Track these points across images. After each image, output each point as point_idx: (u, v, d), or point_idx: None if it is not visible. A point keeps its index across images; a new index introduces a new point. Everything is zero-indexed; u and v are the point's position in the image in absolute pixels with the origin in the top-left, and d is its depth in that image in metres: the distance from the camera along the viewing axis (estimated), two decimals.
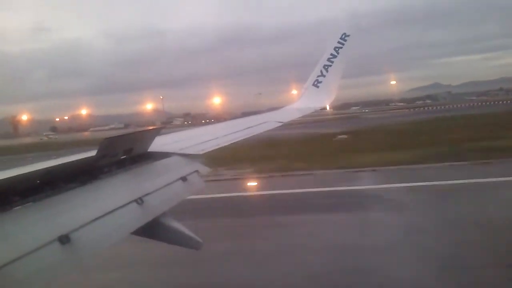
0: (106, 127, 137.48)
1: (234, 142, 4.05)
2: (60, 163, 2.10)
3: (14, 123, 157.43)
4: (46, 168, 1.95)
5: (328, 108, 7.39)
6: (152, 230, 2.30)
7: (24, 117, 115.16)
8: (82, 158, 2.21)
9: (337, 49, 6.67)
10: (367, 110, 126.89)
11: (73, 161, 2.16)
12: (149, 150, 2.75)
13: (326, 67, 6.72)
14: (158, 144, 2.92)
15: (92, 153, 2.19)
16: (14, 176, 1.74)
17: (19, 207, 1.69)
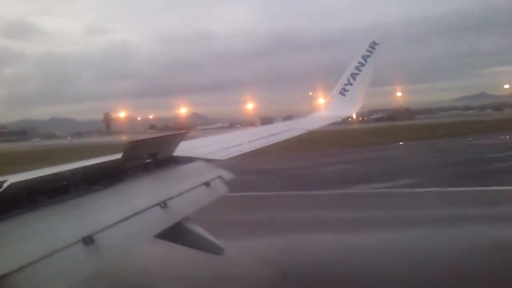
0: (213, 126, 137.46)
1: (256, 149, 4.04)
2: (86, 165, 2.14)
3: (107, 121, 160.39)
4: (72, 169, 1.98)
5: (354, 117, 7.29)
6: (174, 234, 2.31)
7: (122, 114, 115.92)
8: (108, 161, 2.24)
9: (365, 57, 6.57)
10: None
11: (98, 163, 2.19)
12: (173, 154, 2.77)
13: (354, 75, 6.63)
14: (183, 148, 2.94)
15: (118, 155, 2.22)
16: (42, 176, 1.77)
17: (46, 207, 1.72)
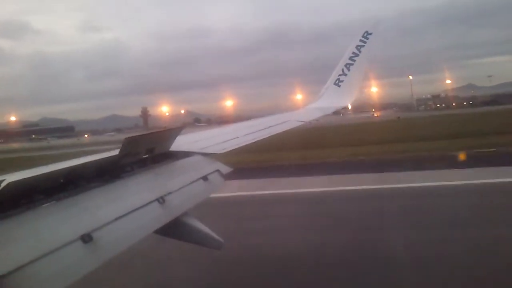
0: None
1: (255, 142, 4.03)
2: (83, 162, 2.12)
3: (145, 116, 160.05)
4: (69, 167, 1.97)
5: (349, 107, 7.28)
6: (173, 229, 2.30)
7: (165, 109, 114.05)
8: (105, 157, 2.22)
9: (359, 47, 6.56)
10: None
11: (96, 160, 2.17)
12: (170, 149, 2.76)
13: (348, 65, 6.62)
14: (180, 143, 2.92)
15: (115, 152, 2.21)
16: (39, 175, 1.76)
17: (43, 205, 1.71)
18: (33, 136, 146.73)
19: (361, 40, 6.57)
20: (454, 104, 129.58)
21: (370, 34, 6.57)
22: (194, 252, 5.23)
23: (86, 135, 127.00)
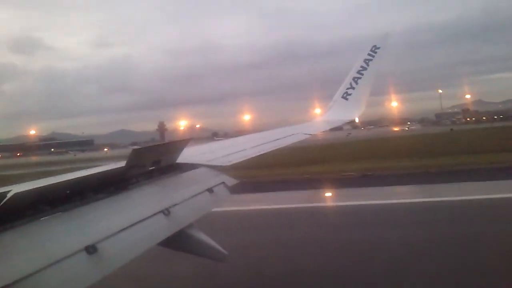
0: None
1: (261, 154, 4.03)
2: (89, 173, 2.14)
3: (161, 130, 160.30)
4: (76, 178, 1.98)
5: (357, 120, 7.27)
6: (178, 241, 2.30)
7: (183, 123, 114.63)
8: (111, 169, 2.23)
9: (367, 61, 6.57)
10: None
11: (102, 172, 2.19)
12: (177, 161, 2.77)
13: (356, 79, 6.63)
14: (186, 155, 2.94)
15: (122, 164, 2.22)
16: (45, 185, 1.78)
17: (49, 216, 1.72)
18: (52, 149, 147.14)
19: (369, 54, 6.58)
20: (484, 118, 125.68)
21: (378, 48, 6.59)
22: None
23: (106, 149, 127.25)
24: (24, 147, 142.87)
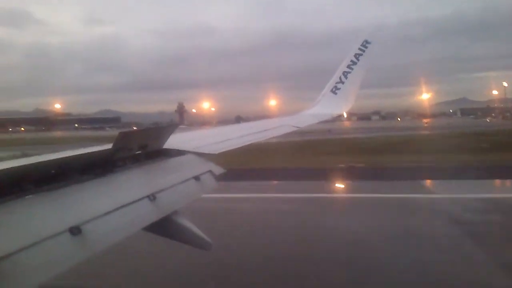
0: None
1: (249, 144, 4.02)
2: (75, 154, 2.11)
3: (180, 112, 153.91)
4: (61, 158, 1.95)
5: (345, 115, 7.30)
6: (163, 227, 2.29)
7: (206, 105, 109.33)
8: (98, 151, 2.20)
9: (357, 56, 6.59)
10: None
11: (88, 153, 2.15)
12: (164, 147, 2.74)
13: (346, 73, 6.64)
14: (174, 141, 2.91)
15: (108, 146, 2.19)
16: (29, 164, 1.74)
17: (32, 195, 1.69)
18: (76, 125, 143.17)
19: (359, 49, 6.60)
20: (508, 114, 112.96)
21: (369, 43, 6.61)
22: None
23: (134, 128, 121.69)
24: (47, 121, 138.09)
